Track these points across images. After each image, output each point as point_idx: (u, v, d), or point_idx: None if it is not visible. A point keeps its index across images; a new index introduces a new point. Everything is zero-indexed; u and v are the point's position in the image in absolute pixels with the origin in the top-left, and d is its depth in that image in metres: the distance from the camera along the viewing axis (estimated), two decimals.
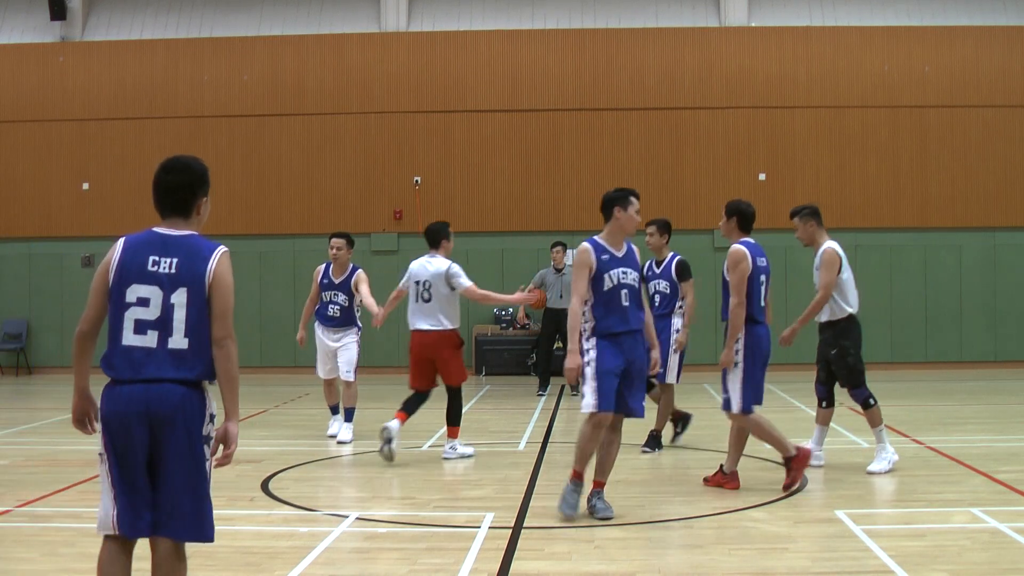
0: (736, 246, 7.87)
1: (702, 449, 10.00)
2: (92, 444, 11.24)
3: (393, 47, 19.70)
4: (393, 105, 19.58)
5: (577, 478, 7.03)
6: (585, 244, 7.13)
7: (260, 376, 18.64)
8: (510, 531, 6.63)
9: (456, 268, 9.46)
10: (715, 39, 19.46)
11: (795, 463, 7.82)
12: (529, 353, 18.11)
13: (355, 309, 10.87)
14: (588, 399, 6.97)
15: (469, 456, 9.59)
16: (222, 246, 4.28)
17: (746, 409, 7.81)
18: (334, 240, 10.77)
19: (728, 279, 7.86)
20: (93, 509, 7.33)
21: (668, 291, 9.83)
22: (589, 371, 6.98)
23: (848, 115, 19.26)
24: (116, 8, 20.43)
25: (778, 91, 19.29)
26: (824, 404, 8.82)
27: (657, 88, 19.41)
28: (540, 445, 10.38)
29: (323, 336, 10.89)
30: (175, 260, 4.15)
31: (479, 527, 6.72)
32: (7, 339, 19.73)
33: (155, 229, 4.25)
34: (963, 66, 19.27)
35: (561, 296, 14.82)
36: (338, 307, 10.77)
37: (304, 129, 19.65)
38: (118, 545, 4.20)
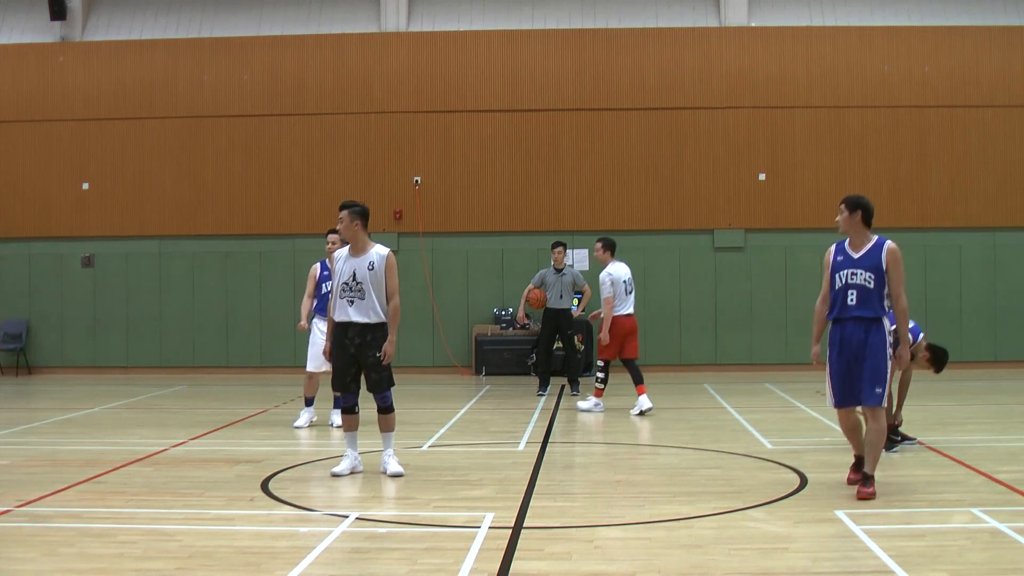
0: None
1: (702, 449, 10.00)
2: (92, 444, 11.21)
3: (393, 47, 19.70)
4: (393, 105, 19.58)
5: None
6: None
7: (260, 376, 18.63)
8: (510, 531, 6.63)
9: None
10: (715, 39, 19.45)
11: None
12: (529, 353, 18.10)
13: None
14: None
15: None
16: None
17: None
18: (332, 235, 11.30)
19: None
20: (93, 509, 7.40)
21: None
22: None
23: (848, 115, 19.25)
24: (116, 8, 20.42)
25: (778, 91, 19.28)
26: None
27: (657, 88, 19.40)
28: (540, 445, 10.37)
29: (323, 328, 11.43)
30: None
31: (479, 527, 6.72)
32: (7, 339, 19.71)
33: None
34: (963, 66, 19.25)
35: (561, 296, 14.77)
36: None
37: (304, 129, 19.64)
38: None
